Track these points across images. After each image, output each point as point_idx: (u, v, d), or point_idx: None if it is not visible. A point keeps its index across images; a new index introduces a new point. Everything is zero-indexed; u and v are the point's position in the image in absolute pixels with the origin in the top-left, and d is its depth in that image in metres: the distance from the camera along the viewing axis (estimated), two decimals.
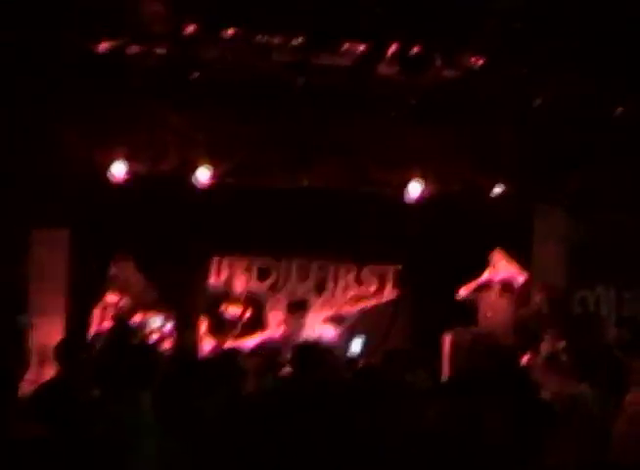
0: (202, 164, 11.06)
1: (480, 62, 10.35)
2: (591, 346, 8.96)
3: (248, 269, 11.82)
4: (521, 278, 11.24)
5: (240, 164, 11.21)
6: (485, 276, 11.17)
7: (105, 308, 10.43)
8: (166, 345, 10.27)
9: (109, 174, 10.83)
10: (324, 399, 6.29)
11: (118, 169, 10.86)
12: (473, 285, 11.11)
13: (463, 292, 11.10)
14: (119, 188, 10.82)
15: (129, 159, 10.90)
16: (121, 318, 10.10)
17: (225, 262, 11.62)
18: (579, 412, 6.77)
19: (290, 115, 11.02)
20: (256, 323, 10.99)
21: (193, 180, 11.08)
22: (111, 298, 10.52)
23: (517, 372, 7.28)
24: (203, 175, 11.10)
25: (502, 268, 11.21)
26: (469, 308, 11.17)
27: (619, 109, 10.92)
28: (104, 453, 5.76)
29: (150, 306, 10.59)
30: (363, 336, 11.59)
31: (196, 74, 10.37)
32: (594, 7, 9.20)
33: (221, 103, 10.81)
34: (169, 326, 10.46)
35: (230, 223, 11.27)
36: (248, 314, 11.04)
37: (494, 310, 11.05)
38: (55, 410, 6.21)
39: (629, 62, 9.78)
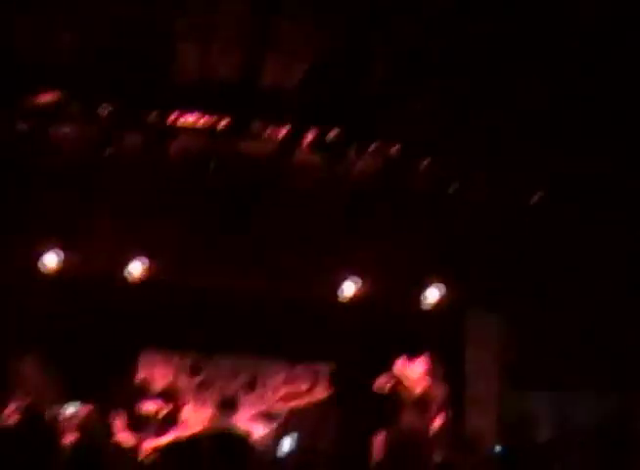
0: (134, 259, 11.09)
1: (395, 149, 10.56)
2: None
3: (177, 365, 11.71)
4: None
5: (169, 261, 11.19)
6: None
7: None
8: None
9: (40, 264, 10.86)
10: None
11: (51, 260, 10.89)
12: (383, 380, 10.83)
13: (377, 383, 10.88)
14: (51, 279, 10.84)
15: (63, 249, 10.91)
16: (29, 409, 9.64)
17: (147, 358, 11.39)
18: None
19: (214, 210, 11.03)
20: (173, 420, 10.76)
21: (125, 275, 11.10)
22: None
23: None
24: (135, 270, 11.13)
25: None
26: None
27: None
28: None
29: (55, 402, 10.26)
30: (294, 435, 11.42)
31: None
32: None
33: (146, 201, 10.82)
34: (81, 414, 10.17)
35: (161, 318, 11.25)
36: (164, 411, 10.81)
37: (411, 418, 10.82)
38: None
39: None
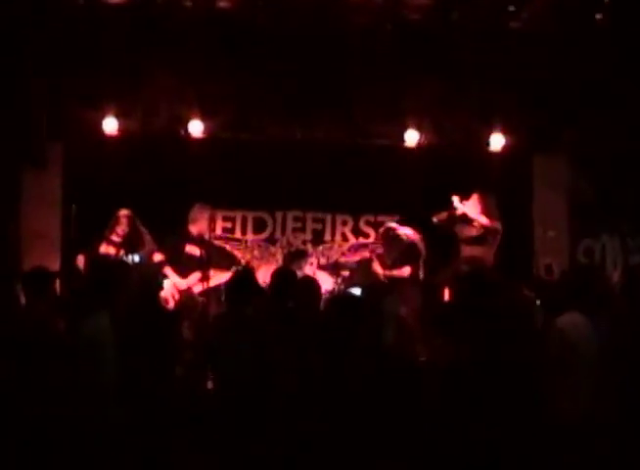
0: (193, 119, 11.07)
1: None
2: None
3: (241, 222, 11.87)
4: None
5: (232, 117, 11.19)
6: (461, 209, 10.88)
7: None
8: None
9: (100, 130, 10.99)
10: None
11: (110, 126, 11.00)
12: (445, 214, 10.93)
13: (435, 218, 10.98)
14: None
15: (120, 115, 10.98)
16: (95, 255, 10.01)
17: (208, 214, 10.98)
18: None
19: (282, 65, 10.89)
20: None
21: (184, 134, 11.14)
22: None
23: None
24: (195, 129, 11.13)
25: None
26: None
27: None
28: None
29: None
30: (361, 287, 11.40)
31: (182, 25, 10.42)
32: None
33: (210, 55, 10.77)
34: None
35: (223, 177, 11.32)
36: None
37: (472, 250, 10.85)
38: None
39: None
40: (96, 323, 6.43)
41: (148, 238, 10.50)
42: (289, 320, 7.10)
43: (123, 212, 10.45)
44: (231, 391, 6.76)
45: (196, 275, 10.40)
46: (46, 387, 6.45)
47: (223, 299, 8.02)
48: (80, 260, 10.14)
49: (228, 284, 7.55)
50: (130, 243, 10.38)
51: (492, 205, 10.90)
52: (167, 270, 10.43)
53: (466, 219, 10.86)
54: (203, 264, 10.31)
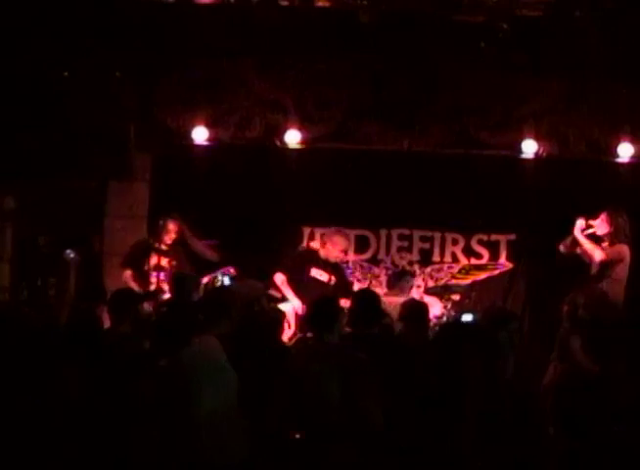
0: (290, 128, 10.57)
1: None
2: None
3: (342, 240, 10.71)
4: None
5: (333, 126, 10.61)
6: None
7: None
8: None
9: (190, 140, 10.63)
10: None
11: (200, 135, 10.60)
12: (569, 238, 9.78)
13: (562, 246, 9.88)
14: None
15: (212, 125, 10.58)
16: (181, 275, 9.42)
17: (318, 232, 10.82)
18: None
19: (388, 70, 10.41)
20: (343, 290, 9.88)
21: (280, 145, 10.68)
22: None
23: None
24: (292, 139, 10.64)
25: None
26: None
27: None
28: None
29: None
30: (473, 312, 10.52)
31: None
32: None
33: (310, 58, 10.36)
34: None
35: (323, 191, 10.83)
36: (333, 280, 10.17)
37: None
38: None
39: None
40: (204, 347, 6.20)
41: (201, 246, 10.09)
42: (375, 348, 6.48)
43: (170, 220, 9.98)
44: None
45: None
46: (132, 406, 6.23)
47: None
48: (128, 275, 9.78)
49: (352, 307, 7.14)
50: (177, 252, 9.99)
51: (625, 225, 9.69)
52: (287, 291, 9.88)
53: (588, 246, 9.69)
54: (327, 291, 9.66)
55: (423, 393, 5.81)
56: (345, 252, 10.27)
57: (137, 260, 9.90)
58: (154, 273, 9.74)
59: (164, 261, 9.91)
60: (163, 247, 9.96)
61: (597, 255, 9.50)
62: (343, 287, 9.95)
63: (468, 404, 5.69)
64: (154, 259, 9.83)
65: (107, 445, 6.04)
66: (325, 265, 10.10)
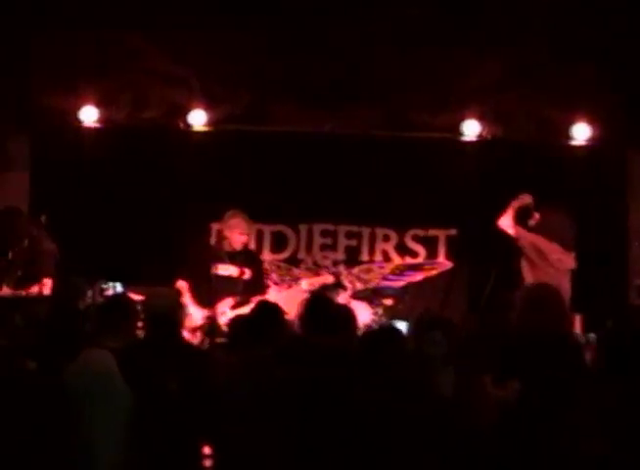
0: (194, 108, 10.10)
1: None
2: None
3: (256, 237, 10.28)
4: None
5: (243, 105, 10.10)
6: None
7: None
8: None
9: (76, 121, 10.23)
10: None
11: (89, 116, 10.20)
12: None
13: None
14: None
15: (102, 104, 10.11)
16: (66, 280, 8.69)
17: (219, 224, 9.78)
18: None
19: (305, 40, 9.82)
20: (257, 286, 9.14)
21: (183, 126, 10.16)
22: None
23: None
24: (196, 120, 10.10)
25: None
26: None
27: None
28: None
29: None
30: (408, 320, 9.58)
31: None
32: None
33: (216, 29, 9.74)
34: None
35: (232, 181, 10.14)
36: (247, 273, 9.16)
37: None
38: None
39: None
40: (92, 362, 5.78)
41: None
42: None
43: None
44: None
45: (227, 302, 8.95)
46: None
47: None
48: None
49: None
50: None
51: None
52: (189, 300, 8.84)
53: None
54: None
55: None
56: (248, 234, 9.14)
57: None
58: None
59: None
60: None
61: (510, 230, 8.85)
62: (256, 281, 8.92)
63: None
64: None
65: None
66: (232, 257, 8.98)
